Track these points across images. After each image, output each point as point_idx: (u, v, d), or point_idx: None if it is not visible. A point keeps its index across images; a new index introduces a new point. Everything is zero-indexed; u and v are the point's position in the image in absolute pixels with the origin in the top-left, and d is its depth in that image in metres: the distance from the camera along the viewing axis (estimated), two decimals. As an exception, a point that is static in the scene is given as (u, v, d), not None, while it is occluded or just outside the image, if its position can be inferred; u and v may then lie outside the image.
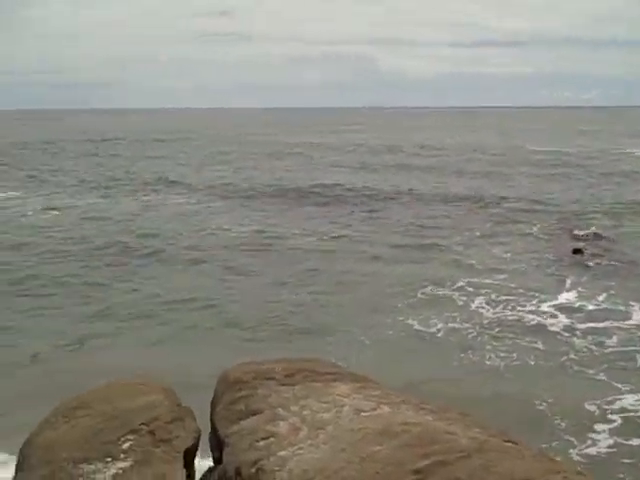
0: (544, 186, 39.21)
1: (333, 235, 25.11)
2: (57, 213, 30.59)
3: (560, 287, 18.61)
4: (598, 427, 10.86)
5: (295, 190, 36.56)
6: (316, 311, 16.85)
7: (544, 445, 9.55)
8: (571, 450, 10.22)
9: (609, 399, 11.79)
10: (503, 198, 33.54)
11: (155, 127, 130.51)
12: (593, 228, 25.48)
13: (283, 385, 6.78)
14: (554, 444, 10.25)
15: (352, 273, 20.17)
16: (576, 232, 25.15)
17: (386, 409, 6.14)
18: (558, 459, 7.72)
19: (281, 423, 5.97)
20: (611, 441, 10.46)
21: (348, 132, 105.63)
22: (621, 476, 9.54)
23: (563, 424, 10.98)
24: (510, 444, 5.79)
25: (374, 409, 6.12)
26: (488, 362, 13.73)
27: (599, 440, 10.51)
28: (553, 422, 11.10)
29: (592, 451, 10.22)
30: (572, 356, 13.91)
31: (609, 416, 11.20)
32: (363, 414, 6.02)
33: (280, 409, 6.22)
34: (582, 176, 43.70)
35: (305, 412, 6.11)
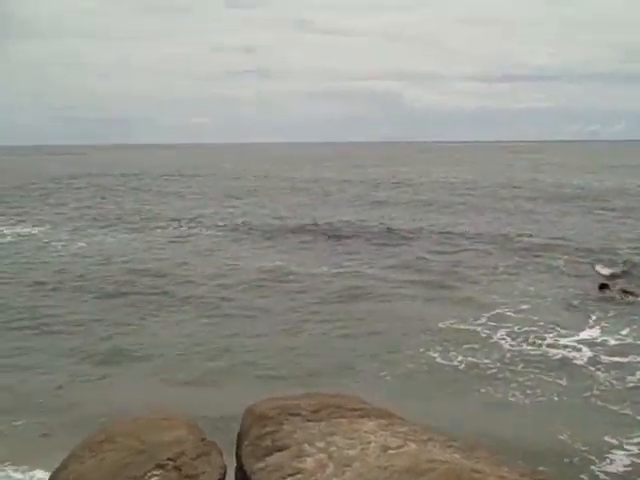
0: (570, 220, 38.98)
1: (352, 271, 25.04)
2: (79, 248, 30.89)
3: (585, 322, 18.38)
4: (616, 452, 11.00)
5: (312, 226, 36.56)
6: (338, 347, 16.78)
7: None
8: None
9: (629, 430, 11.74)
10: (528, 234, 33.29)
11: (179, 162, 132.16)
12: (621, 264, 25.22)
13: (309, 421, 6.77)
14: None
15: (372, 308, 20.09)
16: (602, 267, 24.90)
17: (413, 446, 6.11)
18: None
19: (308, 459, 5.96)
20: (626, 461, 10.68)
21: (371, 166, 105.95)
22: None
23: (582, 454, 11.06)
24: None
25: (401, 446, 6.10)
26: (511, 398, 13.57)
27: (615, 458, 10.76)
28: (572, 452, 11.13)
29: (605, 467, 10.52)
30: (595, 391, 13.72)
31: (629, 447, 11.22)
32: (390, 451, 5.99)
33: (306, 445, 6.21)
34: (610, 211, 43.25)
35: (331, 448, 6.09)
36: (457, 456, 5.95)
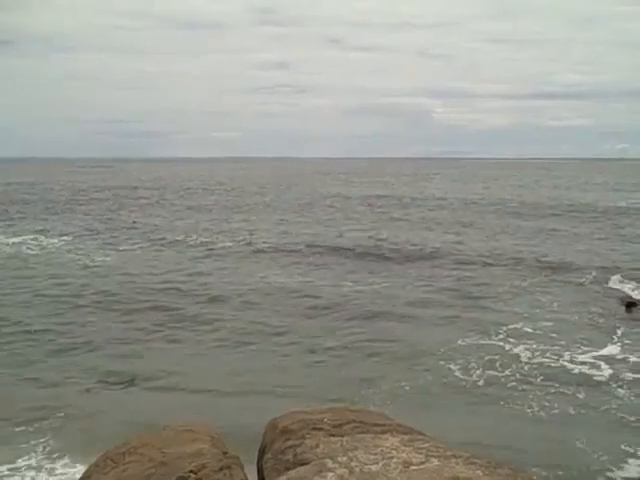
0: (596, 238, 38.61)
1: (372, 289, 24.93)
2: (103, 262, 31.17)
3: (608, 339, 18.21)
4: (630, 461, 11.23)
5: (333, 245, 36.30)
6: (358, 360, 16.79)
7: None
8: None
9: None
10: (551, 252, 32.93)
11: (211, 176, 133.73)
12: None
13: (331, 435, 6.74)
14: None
15: (394, 325, 20.00)
16: (630, 286, 24.59)
17: (435, 462, 6.05)
18: None
19: (329, 474, 5.91)
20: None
21: (404, 184, 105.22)
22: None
23: (599, 461, 11.32)
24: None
25: (423, 462, 6.03)
26: (529, 410, 13.60)
27: (629, 467, 10.99)
28: (589, 460, 11.36)
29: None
30: (613, 405, 13.73)
31: None
32: (412, 467, 5.93)
33: (328, 460, 6.16)
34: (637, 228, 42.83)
35: (353, 463, 6.05)
36: (480, 473, 5.88)
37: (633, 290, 23.95)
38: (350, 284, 25.58)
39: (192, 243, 37.69)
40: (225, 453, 6.92)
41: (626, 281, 25.44)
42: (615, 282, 25.41)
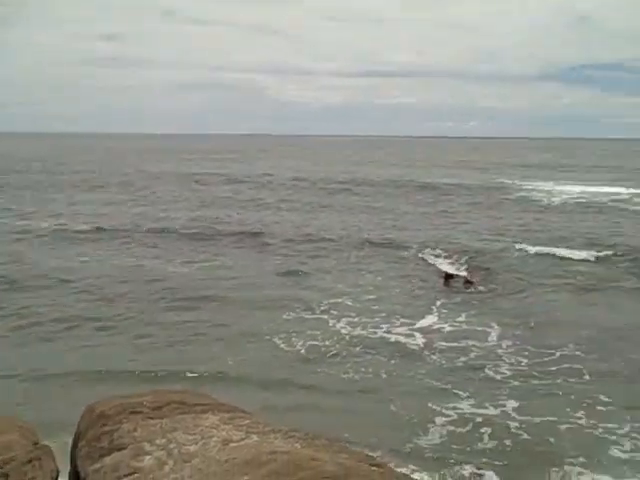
0: (414, 214, 40.61)
1: (203, 269, 24.69)
2: None
3: (426, 310, 19.36)
4: (437, 420, 12.23)
5: (161, 226, 35.15)
6: (185, 342, 16.61)
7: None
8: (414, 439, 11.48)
9: (449, 404, 12.90)
10: (382, 232, 34.24)
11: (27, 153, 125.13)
12: (466, 257, 26.54)
13: (150, 418, 6.61)
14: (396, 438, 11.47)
15: (218, 304, 19.96)
16: (447, 260, 26.15)
17: (255, 438, 6.13)
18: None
19: (146, 458, 5.81)
20: (444, 431, 11.84)
21: (233, 162, 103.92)
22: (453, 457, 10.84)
23: (408, 419, 12.31)
24: (376, 468, 5.94)
25: (243, 439, 6.10)
26: (345, 376, 14.40)
27: (434, 432, 11.80)
28: (400, 420, 12.29)
29: (431, 438, 11.55)
30: (423, 371, 14.72)
31: (448, 412, 12.57)
32: (231, 444, 5.97)
33: (146, 444, 6.06)
34: (461, 206, 45.46)
35: (171, 445, 5.99)
36: (298, 446, 6.04)
37: (450, 264, 25.48)
38: (177, 265, 25.11)
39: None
40: (36, 444, 6.56)
41: (442, 255, 27.03)
42: (430, 256, 26.91)
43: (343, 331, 17.38)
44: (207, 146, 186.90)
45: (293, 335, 16.93)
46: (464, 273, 23.77)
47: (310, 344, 16.32)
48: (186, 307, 19.44)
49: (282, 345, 16.28)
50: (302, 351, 15.91)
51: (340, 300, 20.25)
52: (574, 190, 56.18)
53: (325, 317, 18.56)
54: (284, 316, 18.57)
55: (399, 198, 49.99)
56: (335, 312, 18.95)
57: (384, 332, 17.34)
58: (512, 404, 12.93)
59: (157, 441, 6.06)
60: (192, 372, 14.25)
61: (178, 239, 30.86)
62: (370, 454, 6.89)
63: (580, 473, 10.01)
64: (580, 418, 12.34)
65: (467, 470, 10.25)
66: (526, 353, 15.83)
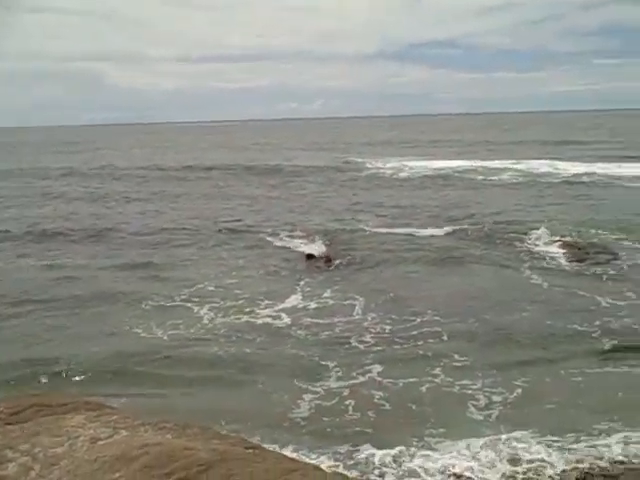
0: (274, 200, 40.71)
1: (52, 264, 23.57)
2: None
3: (290, 291, 19.56)
4: (305, 397, 12.41)
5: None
6: (45, 341, 15.85)
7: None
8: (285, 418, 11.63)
9: (317, 378, 13.25)
10: (233, 215, 34.14)
11: None
12: (324, 236, 26.85)
13: (9, 424, 6.31)
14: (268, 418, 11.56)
15: (80, 293, 19.26)
16: (306, 240, 26.48)
17: (124, 434, 6.04)
18: (297, 458, 8.32)
19: (10, 466, 5.56)
20: (313, 404, 12.11)
21: (71, 153, 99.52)
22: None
23: (278, 398, 12.47)
24: (251, 450, 6.02)
25: (111, 435, 5.98)
26: (211, 360, 14.36)
27: (304, 404, 12.12)
28: (271, 399, 12.44)
29: (302, 415, 11.74)
30: (289, 348, 15.00)
31: (315, 388, 12.79)
32: (100, 442, 5.85)
33: (7, 451, 5.79)
34: (314, 186, 46.18)
35: (36, 449, 5.77)
36: (169, 436, 6.01)
37: (309, 244, 25.79)
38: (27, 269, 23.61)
39: None
40: None
41: (301, 236, 27.36)
42: (289, 238, 27.15)
43: (206, 317, 17.28)
44: (44, 138, 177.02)
45: (154, 325, 16.58)
46: (324, 252, 24.15)
47: (173, 333, 16.08)
48: (33, 310, 18.31)
49: (144, 335, 15.94)
50: (165, 339, 15.65)
51: (201, 286, 20.07)
52: (421, 165, 58.80)
53: (188, 305, 18.33)
54: (143, 306, 18.17)
55: (252, 182, 49.97)
56: (197, 299, 18.75)
57: (249, 315, 17.39)
58: (377, 369, 13.53)
59: (20, 447, 5.81)
60: (50, 372, 13.61)
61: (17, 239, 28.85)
62: (244, 437, 6.95)
63: (438, 442, 10.41)
64: (438, 376, 13.15)
65: (345, 446, 10.43)
66: (389, 322, 16.54)
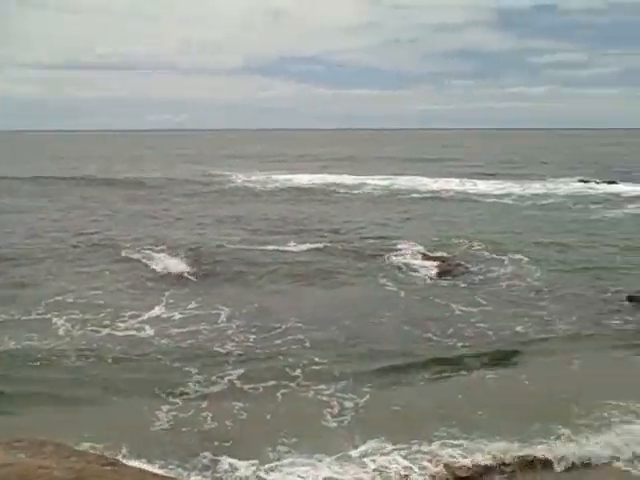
0: (137, 214, 39.31)
1: None
2: None
3: (155, 302, 19.29)
4: (164, 408, 12.34)
5: None
6: None
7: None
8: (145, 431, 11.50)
9: (177, 387, 13.28)
10: (94, 228, 32.87)
11: None
12: (187, 250, 26.36)
13: None
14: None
15: None
16: (169, 254, 25.80)
17: (-29, 455, 5.64)
18: (158, 472, 8.11)
19: None
20: (171, 415, 12.09)
21: None
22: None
23: (137, 409, 12.38)
24: (109, 467, 5.82)
25: (-41, 458, 5.57)
26: (64, 377, 13.76)
27: (163, 415, 12.09)
28: (130, 411, 12.34)
29: (161, 427, 11.67)
30: (151, 358, 14.87)
31: (175, 399, 12.75)
32: (-56, 466, 5.42)
33: None
34: (178, 200, 45.21)
35: None
36: (23, 456, 5.74)
37: (172, 258, 25.12)
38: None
39: None
40: None
41: (164, 250, 26.56)
42: (152, 252, 26.21)
43: (62, 329, 16.72)
44: None
45: (6, 338, 15.83)
46: (189, 266, 23.79)
47: (27, 344, 15.46)
48: None
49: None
50: (18, 355, 14.89)
51: (60, 299, 19.39)
52: (287, 178, 59.58)
53: (47, 316, 17.70)
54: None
55: (113, 195, 48.04)
56: (56, 312, 18.10)
57: (110, 327, 17.05)
58: (238, 374, 13.85)
59: None
60: None
61: None
62: (102, 454, 6.71)
63: (287, 452, 10.59)
64: (297, 377, 13.73)
65: (206, 458, 10.33)
66: (253, 330, 16.88)
